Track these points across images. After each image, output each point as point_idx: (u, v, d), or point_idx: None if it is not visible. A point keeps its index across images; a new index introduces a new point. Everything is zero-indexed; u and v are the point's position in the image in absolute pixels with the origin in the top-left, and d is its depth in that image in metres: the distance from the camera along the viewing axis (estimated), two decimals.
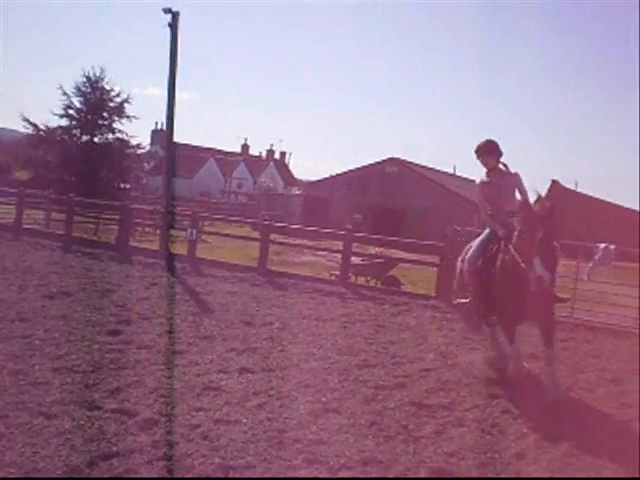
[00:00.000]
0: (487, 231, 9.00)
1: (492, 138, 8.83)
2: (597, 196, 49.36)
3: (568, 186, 51.99)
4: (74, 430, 6.18)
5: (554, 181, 51.49)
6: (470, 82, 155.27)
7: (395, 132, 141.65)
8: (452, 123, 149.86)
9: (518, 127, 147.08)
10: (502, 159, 8.88)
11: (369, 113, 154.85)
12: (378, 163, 50.71)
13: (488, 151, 8.78)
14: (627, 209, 48.04)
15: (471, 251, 9.11)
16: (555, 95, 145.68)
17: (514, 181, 8.73)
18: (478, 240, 9.14)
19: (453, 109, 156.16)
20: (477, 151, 8.84)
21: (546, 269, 7.36)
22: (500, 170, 8.84)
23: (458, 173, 64.73)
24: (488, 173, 8.89)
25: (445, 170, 60.78)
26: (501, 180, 8.76)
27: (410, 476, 5.82)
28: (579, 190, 53.40)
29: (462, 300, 9.50)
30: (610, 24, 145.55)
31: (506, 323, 8.42)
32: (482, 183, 8.98)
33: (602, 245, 16.39)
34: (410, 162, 52.01)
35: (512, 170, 8.86)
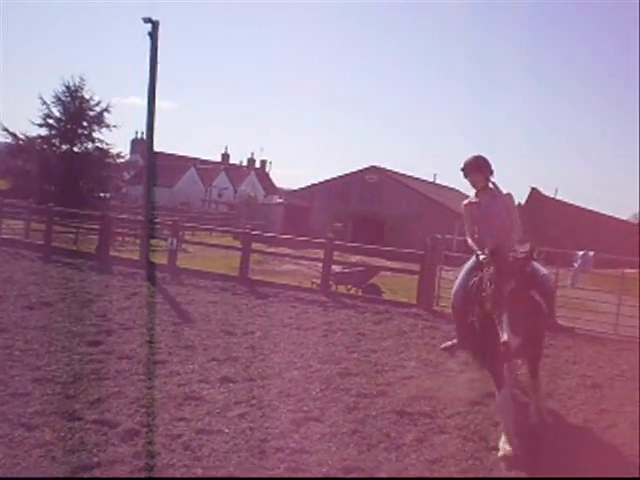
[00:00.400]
0: (473, 259, 7.61)
1: (481, 154, 7.78)
2: (577, 203, 49.71)
3: (547, 194, 52.45)
4: (55, 441, 6.14)
5: (533, 189, 52.00)
6: (449, 90, 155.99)
7: (375, 140, 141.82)
8: (432, 131, 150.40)
9: (498, 135, 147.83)
10: (493, 178, 7.80)
11: (350, 121, 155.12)
12: (359, 171, 50.92)
13: (477, 168, 7.70)
14: (606, 216, 48.47)
15: (456, 283, 7.91)
16: (536, 102, 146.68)
17: (505, 202, 7.73)
18: (463, 270, 7.89)
19: (433, 117, 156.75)
20: (464, 169, 7.76)
21: (514, 331, 6.06)
22: (490, 190, 7.77)
23: (438, 181, 65.12)
24: (477, 193, 7.80)
25: (425, 178, 61.05)
26: (491, 201, 7.69)
27: None
28: (559, 197, 53.79)
29: (447, 343, 8.40)
30: (588, 34, 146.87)
31: (492, 365, 7.03)
32: (469, 204, 7.86)
33: (581, 252, 16.58)
34: (390, 170, 52.25)
35: (504, 190, 7.80)
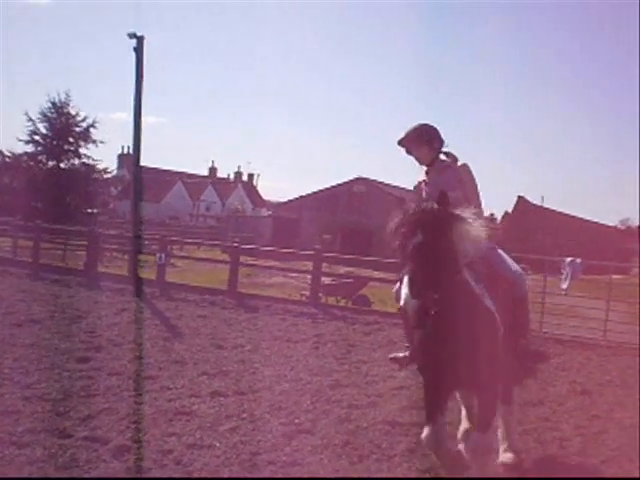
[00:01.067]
0: None
1: (426, 123, 6.17)
2: (563, 210, 49.98)
3: (534, 201, 52.74)
4: (46, 459, 6.11)
5: (520, 197, 52.29)
6: (433, 96, 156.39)
7: (363, 151, 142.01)
8: None
9: (484, 143, 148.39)
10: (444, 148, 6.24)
11: (336, 133, 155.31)
12: (346, 183, 51.06)
13: (417, 141, 6.09)
14: (593, 222, 48.75)
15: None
16: (522, 109, 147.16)
17: (458, 173, 6.05)
18: None
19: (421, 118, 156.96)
20: (401, 143, 6.19)
21: (415, 293, 4.86)
22: (441, 162, 6.20)
23: None
24: (428, 170, 6.24)
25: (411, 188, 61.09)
26: (440, 174, 6.12)
27: None
28: (545, 205, 54.09)
29: (399, 354, 6.48)
30: (578, 38, 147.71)
31: (427, 389, 5.58)
32: (419, 185, 6.31)
33: (568, 259, 16.64)
34: (377, 181, 52.38)
35: (460, 161, 6.19)
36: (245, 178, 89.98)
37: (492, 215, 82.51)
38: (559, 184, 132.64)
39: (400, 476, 6.18)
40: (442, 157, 6.20)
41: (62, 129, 40.05)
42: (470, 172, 6.10)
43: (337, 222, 49.70)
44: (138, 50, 20.20)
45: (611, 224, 57.22)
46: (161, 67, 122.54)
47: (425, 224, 4.90)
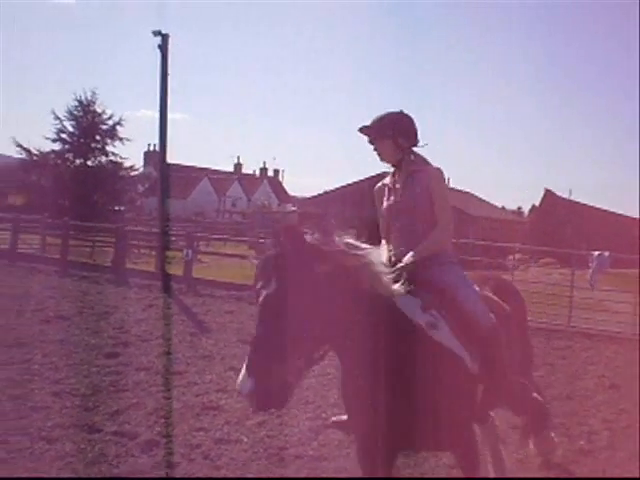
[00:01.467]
0: None
1: (400, 110, 4.80)
2: (591, 204, 49.46)
3: (562, 195, 52.29)
4: (75, 453, 6.16)
5: (547, 190, 51.83)
6: (462, 88, 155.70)
7: None
8: (445, 132, 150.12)
9: (512, 135, 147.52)
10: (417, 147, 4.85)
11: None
12: (372, 177, 50.75)
13: (381, 133, 4.72)
14: (621, 215, 48.19)
15: None
16: (548, 102, 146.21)
17: (427, 182, 4.68)
18: None
19: (441, 119, 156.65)
20: (363, 131, 4.81)
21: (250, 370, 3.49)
22: (412, 164, 4.79)
23: (451, 185, 64.92)
24: (394, 172, 4.96)
25: None
26: (406, 182, 4.78)
27: None
28: (573, 198, 53.58)
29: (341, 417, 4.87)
30: (608, 28, 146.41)
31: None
32: (378, 189, 5.14)
33: (596, 253, 16.50)
34: None
35: (434, 164, 4.83)
36: (270, 174, 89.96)
37: (519, 209, 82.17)
38: (587, 177, 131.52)
39: (428, 470, 6.16)
40: (412, 158, 4.80)
41: (89, 127, 40.32)
42: (442, 179, 4.76)
43: (362, 217, 49.48)
44: (163, 47, 20.28)
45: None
46: (185, 64, 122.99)
47: (278, 269, 3.62)
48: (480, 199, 61.36)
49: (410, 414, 3.98)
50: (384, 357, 3.91)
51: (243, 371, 3.52)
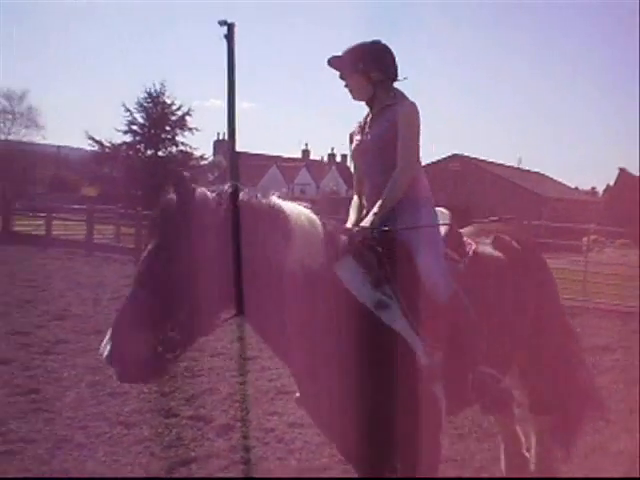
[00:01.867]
0: None
1: (375, 41, 4.10)
2: None
3: (637, 174, 50.96)
4: (153, 438, 6.28)
5: (622, 170, 50.67)
6: (535, 72, 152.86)
7: (457, 127, 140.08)
8: (519, 116, 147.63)
9: (583, 116, 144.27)
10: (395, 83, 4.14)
11: (429, 109, 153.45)
12: (440, 161, 50.31)
13: (350, 66, 4.03)
14: None
15: None
16: (623, 80, 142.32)
17: (394, 116, 3.93)
18: None
19: (513, 98, 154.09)
20: (331, 63, 4.12)
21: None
22: (388, 99, 4.04)
23: (522, 165, 63.92)
24: (369, 112, 4.17)
25: (509, 164, 59.93)
26: (375, 119, 4.09)
27: (484, 474, 5.75)
28: None
29: None
30: None
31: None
32: (351, 134, 4.29)
33: None
34: (474, 158, 51.47)
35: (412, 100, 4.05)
36: (339, 159, 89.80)
37: (593, 189, 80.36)
38: None
39: (499, 455, 6.08)
40: (391, 94, 4.06)
41: (159, 118, 40.99)
42: (414, 114, 3.96)
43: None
44: (229, 37, 20.44)
45: None
46: (253, 53, 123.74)
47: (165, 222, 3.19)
48: (553, 180, 60.27)
49: (353, 422, 3.34)
50: (308, 347, 3.42)
51: (107, 336, 3.20)
